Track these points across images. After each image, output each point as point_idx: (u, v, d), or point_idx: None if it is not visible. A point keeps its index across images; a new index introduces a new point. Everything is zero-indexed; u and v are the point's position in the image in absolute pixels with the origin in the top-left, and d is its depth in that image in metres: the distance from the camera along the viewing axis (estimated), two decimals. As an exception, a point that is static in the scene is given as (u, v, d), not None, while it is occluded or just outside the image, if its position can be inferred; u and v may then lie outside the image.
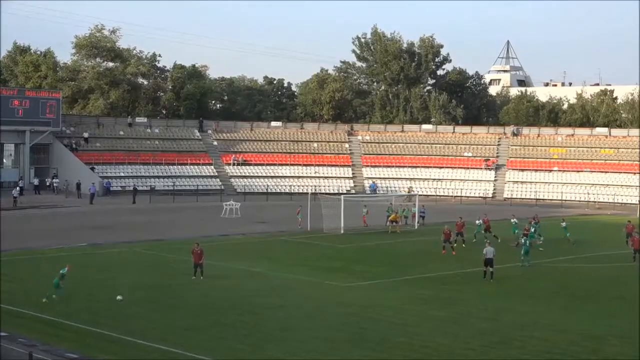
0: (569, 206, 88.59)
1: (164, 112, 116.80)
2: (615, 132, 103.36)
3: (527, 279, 42.80)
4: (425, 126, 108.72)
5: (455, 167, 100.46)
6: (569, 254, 51.87)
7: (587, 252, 53.13)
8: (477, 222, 58.13)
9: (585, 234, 62.83)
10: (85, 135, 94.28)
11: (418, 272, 44.04)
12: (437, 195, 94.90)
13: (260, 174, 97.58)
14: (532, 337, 30.36)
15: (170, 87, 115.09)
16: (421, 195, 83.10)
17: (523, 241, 47.75)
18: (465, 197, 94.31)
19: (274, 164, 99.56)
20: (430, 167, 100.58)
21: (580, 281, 42.59)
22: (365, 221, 64.62)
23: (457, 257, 49.19)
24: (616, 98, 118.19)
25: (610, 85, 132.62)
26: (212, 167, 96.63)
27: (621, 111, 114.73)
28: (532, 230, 54.81)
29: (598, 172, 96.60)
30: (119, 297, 35.08)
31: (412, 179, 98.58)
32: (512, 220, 59.97)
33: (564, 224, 58.05)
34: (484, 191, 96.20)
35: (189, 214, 73.46)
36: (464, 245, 53.75)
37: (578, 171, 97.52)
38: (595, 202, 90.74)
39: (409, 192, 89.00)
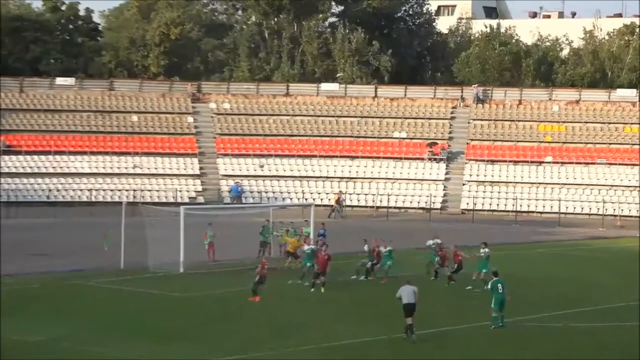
0: (571, 223, 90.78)
1: None
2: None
3: (493, 346, 43.84)
4: (327, 86, 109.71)
5: (379, 158, 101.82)
6: (566, 307, 53.10)
7: (598, 303, 54.49)
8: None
9: (595, 273, 64.58)
10: None
11: (317, 338, 44.43)
12: (349, 207, 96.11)
13: (37, 170, 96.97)
14: None
15: None
16: (320, 205, 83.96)
17: (498, 287, 48.64)
18: (396, 208, 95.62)
19: (63, 153, 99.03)
20: (336, 157, 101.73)
21: (578, 350, 43.78)
22: (212, 252, 65.40)
23: (383, 313, 50.02)
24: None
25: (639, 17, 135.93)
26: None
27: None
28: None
29: (619, 164, 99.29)
30: None
31: (303, 177, 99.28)
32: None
33: (484, 251, 58.37)
34: (427, 198, 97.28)
35: None
36: (322, 289, 54.98)
37: (586, 164, 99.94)
38: (615, 216, 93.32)
39: (337, 202, 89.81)
